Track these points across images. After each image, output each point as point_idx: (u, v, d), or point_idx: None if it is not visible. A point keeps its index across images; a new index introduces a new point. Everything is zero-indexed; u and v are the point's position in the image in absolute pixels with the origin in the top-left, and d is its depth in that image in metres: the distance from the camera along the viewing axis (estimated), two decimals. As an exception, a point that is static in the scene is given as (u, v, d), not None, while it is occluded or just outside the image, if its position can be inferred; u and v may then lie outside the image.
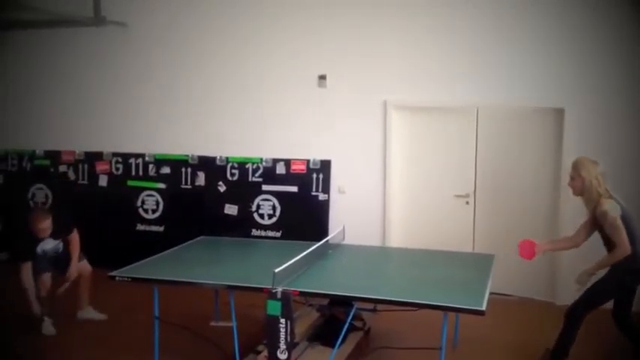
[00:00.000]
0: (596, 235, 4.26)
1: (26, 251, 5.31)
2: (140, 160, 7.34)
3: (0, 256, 6.90)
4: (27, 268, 5.27)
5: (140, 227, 7.33)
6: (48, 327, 5.33)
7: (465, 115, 6.34)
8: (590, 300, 4.16)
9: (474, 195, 6.41)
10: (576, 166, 4.23)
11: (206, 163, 7.11)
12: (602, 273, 4.18)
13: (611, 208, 4.02)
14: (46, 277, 5.39)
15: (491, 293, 4.04)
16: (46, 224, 5.28)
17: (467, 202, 6.42)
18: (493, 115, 6.27)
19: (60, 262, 5.46)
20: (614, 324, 4.31)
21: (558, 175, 5.98)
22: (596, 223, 4.16)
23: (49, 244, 5.42)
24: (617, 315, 4.29)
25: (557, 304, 5.75)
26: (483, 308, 3.70)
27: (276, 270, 3.99)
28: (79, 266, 5.51)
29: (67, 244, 5.51)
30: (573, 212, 5.94)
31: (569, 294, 5.90)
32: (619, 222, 4.00)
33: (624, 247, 3.97)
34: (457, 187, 6.46)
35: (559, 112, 5.99)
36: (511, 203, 6.27)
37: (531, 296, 6.23)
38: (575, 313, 4.20)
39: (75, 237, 5.54)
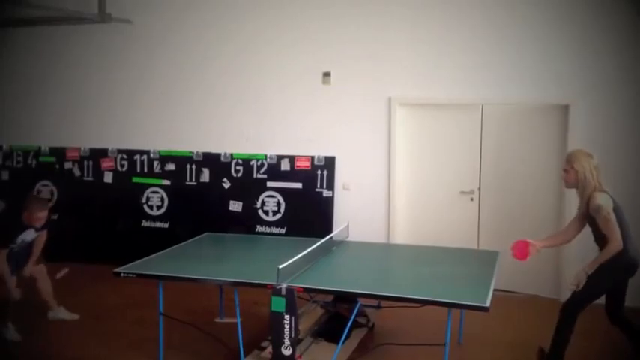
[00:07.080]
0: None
1: (8, 238, 5.06)
2: (145, 157, 7.35)
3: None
4: (3, 255, 4.98)
5: (145, 224, 7.34)
6: (13, 333, 5.11)
7: (470, 112, 6.33)
8: (584, 297, 4.05)
9: (478, 191, 6.40)
10: (570, 159, 4.15)
11: (210, 160, 7.12)
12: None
13: (605, 202, 3.95)
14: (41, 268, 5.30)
15: (496, 290, 4.03)
16: (43, 214, 5.15)
17: (471, 199, 6.42)
18: (498, 111, 6.27)
19: (21, 258, 5.23)
20: (608, 320, 4.25)
21: (563, 172, 5.97)
22: (588, 216, 4.07)
23: (29, 236, 5.20)
24: (610, 311, 4.23)
25: (563, 301, 5.69)
26: (487, 305, 3.69)
27: (281, 266, 4.01)
28: (34, 269, 5.30)
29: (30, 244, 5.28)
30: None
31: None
32: (612, 216, 3.91)
33: (617, 242, 3.87)
34: (462, 184, 6.45)
35: (564, 109, 5.98)
36: (516, 200, 6.26)
37: (536, 293, 6.22)
38: (569, 311, 4.10)
39: (43, 236, 5.35)
